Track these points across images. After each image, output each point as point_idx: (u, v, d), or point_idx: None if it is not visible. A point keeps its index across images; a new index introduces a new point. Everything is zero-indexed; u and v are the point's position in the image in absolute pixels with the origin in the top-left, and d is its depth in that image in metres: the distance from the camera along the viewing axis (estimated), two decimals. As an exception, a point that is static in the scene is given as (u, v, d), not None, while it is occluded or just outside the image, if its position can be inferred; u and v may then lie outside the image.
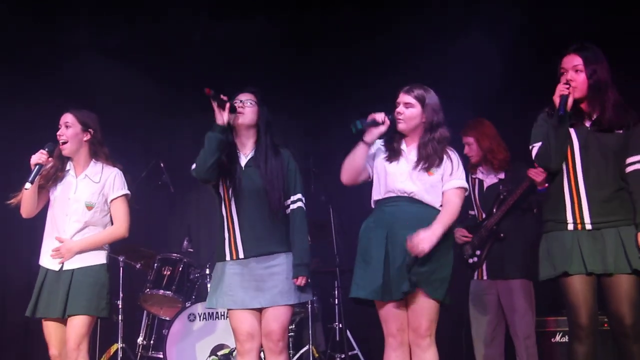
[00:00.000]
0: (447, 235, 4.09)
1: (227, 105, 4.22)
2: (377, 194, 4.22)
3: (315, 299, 6.38)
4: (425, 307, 4.03)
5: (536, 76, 6.12)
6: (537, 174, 5.23)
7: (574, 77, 3.95)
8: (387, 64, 6.82)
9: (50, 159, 4.51)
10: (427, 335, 4.04)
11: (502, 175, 5.51)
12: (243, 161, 4.32)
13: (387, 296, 4.03)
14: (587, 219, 3.90)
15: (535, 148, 4.05)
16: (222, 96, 4.22)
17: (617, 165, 3.93)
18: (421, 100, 4.16)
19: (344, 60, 7.10)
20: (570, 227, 3.93)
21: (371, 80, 6.92)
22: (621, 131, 3.93)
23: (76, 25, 6.93)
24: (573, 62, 3.97)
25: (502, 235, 5.36)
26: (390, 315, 4.09)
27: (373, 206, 4.26)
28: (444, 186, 4.15)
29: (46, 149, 4.51)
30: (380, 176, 4.20)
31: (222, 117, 4.22)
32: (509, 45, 6.32)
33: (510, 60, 6.40)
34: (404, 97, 4.18)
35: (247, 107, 4.30)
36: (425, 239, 3.94)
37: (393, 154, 4.19)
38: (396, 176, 4.13)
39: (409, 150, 4.19)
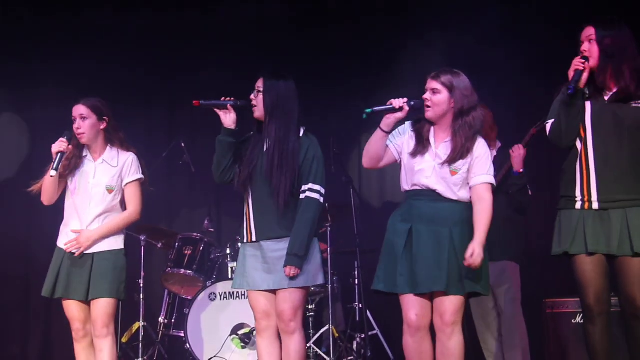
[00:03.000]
0: None
1: (229, 105, 4.23)
2: (405, 184, 4.17)
3: (335, 279, 6.39)
4: (454, 297, 4.01)
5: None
6: (514, 150, 5.25)
7: (589, 47, 3.91)
8: (412, 42, 6.79)
9: (70, 146, 4.57)
10: (451, 322, 4.01)
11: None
12: (266, 145, 4.28)
13: (409, 289, 4.01)
14: (594, 197, 3.86)
15: (549, 125, 4.00)
16: (223, 99, 4.24)
17: (634, 140, 3.86)
18: (449, 85, 4.03)
19: (367, 38, 7.08)
20: (579, 205, 3.90)
21: (395, 59, 6.90)
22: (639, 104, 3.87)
23: (99, 7, 6.96)
24: (587, 33, 3.93)
25: None
26: (410, 302, 4.06)
27: (403, 192, 4.22)
28: (472, 180, 4.05)
29: (65, 137, 4.57)
30: (407, 166, 4.14)
31: (227, 120, 4.26)
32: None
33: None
34: (430, 84, 4.07)
35: (255, 100, 4.27)
36: (476, 254, 3.90)
37: (421, 145, 4.10)
38: (422, 171, 4.06)
39: (438, 143, 4.09)
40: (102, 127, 4.69)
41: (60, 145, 4.53)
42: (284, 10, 7.12)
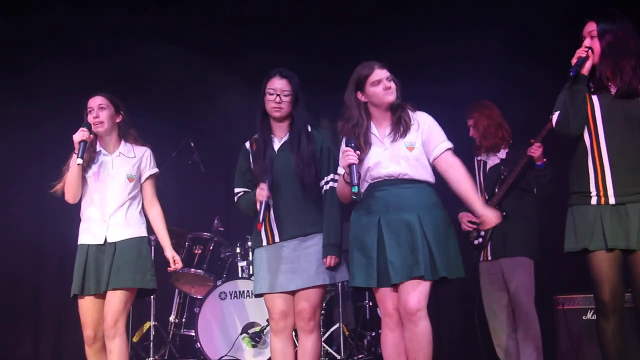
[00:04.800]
0: (444, 213, 4.08)
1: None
2: (363, 183, 4.13)
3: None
4: (418, 283, 3.95)
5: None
6: (534, 150, 5.25)
7: (591, 43, 3.92)
8: (404, 40, 6.78)
9: (91, 135, 4.57)
10: (418, 308, 3.92)
11: (503, 156, 5.52)
12: (276, 145, 4.33)
13: (385, 282, 3.97)
14: (610, 190, 3.85)
15: (555, 115, 4.01)
16: (259, 206, 4.15)
17: None
18: (390, 72, 4.14)
19: (374, 38, 7.07)
20: (594, 200, 3.88)
21: (403, 60, 6.89)
22: None
23: (107, 5, 6.97)
24: (589, 29, 3.95)
25: (504, 214, 5.36)
26: (387, 295, 4.03)
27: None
28: (434, 152, 4.06)
29: (85, 127, 4.56)
30: (362, 167, 4.08)
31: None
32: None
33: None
34: (384, 73, 4.09)
35: (283, 102, 4.28)
36: (489, 214, 4.03)
37: (366, 142, 4.08)
38: (378, 164, 4.04)
39: (382, 132, 4.11)
40: (118, 120, 4.73)
41: (82, 135, 4.51)
42: (292, 9, 7.11)
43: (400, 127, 4.06)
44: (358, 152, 3.97)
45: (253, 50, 6.99)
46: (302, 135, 4.28)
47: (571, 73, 3.87)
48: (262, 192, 4.14)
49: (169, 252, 4.79)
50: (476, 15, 6.53)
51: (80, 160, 4.48)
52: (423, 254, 3.91)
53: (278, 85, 4.29)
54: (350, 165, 3.91)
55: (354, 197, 3.91)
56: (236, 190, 4.42)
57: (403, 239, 3.95)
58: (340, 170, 4.14)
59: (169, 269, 4.81)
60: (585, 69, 3.90)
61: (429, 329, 3.97)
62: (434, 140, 4.07)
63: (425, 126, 4.08)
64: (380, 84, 4.07)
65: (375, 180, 4.07)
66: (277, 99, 4.28)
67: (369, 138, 4.08)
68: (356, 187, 3.86)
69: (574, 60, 3.91)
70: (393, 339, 4.07)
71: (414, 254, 3.93)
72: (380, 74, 4.09)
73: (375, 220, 4.01)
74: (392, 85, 4.09)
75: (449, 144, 4.10)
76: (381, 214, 4.01)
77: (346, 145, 3.97)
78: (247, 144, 4.44)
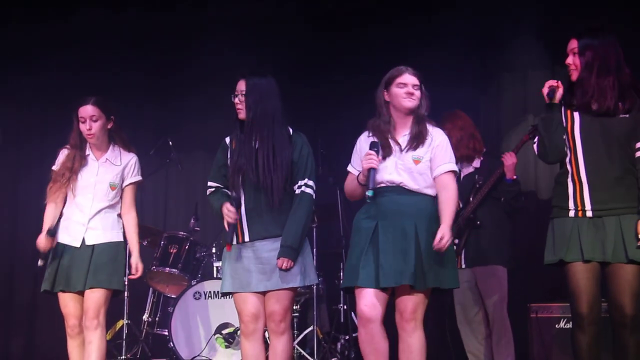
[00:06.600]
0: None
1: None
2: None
3: (320, 280, 6.38)
4: (414, 292, 4.00)
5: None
6: (507, 158, 5.29)
7: (573, 60, 3.96)
8: (396, 49, 6.80)
9: (53, 244, 4.67)
10: (412, 318, 4.01)
11: (477, 165, 5.54)
12: (253, 145, 4.28)
13: (373, 283, 3.99)
14: (587, 206, 3.88)
15: (535, 144, 4.09)
16: (227, 226, 4.22)
17: (623, 150, 3.89)
18: (421, 82, 4.17)
19: (354, 43, 7.08)
20: (572, 213, 3.91)
21: (380, 64, 6.90)
22: (627, 115, 3.89)
23: (86, 5, 6.95)
24: (571, 46, 3.98)
25: (478, 223, 5.38)
26: (363, 293, 4.03)
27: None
28: (435, 170, 4.12)
29: (49, 235, 4.62)
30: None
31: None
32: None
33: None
34: (412, 79, 4.14)
35: (241, 103, 4.26)
36: (446, 238, 3.94)
37: (386, 149, 4.12)
38: (385, 168, 4.07)
39: (399, 137, 4.15)
40: (109, 126, 4.75)
41: (45, 244, 4.62)
42: (273, 10, 7.10)
43: (416, 140, 4.12)
44: (380, 157, 4.04)
45: (232, 48, 6.99)
46: (269, 138, 4.20)
47: (547, 102, 3.97)
48: (230, 215, 4.16)
49: (135, 259, 4.84)
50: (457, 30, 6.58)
51: (41, 262, 4.65)
52: (416, 263, 3.94)
53: (239, 86, 4.29)
54: (369, 170, 4.00)
55: (368, 200, 4.01)
56: (210, 183, 4.40)
57: (397, 245, 3.98)
58: (351, 168, 4.26)
59: (129, 276, 4.88)
60: (557, 98, 3.96)
61: (423, 340, 4.04)
62: (439, 159, 4.13)
63: (436, 143, 4.14)
64: (405, 88, 4.12)
65: (380, 185, 4.09)
66: (237, 100, 4.28)
67: (388, 145, 4.13)
68: (372, 191, 3.96)
69: (545, 90, 3.99)
70: (366, 336, 4.06)
71: (406, 260, 3.95)
72: (408, 78, 4.15)
73: (372, 225, 4.06)
74: (416, 93, 4.13)
75: (452, 167, 4.15)
76: (379, 219, 4.05)
77: (370, 149, 4.06)
78: (227, 139, 4.40)
